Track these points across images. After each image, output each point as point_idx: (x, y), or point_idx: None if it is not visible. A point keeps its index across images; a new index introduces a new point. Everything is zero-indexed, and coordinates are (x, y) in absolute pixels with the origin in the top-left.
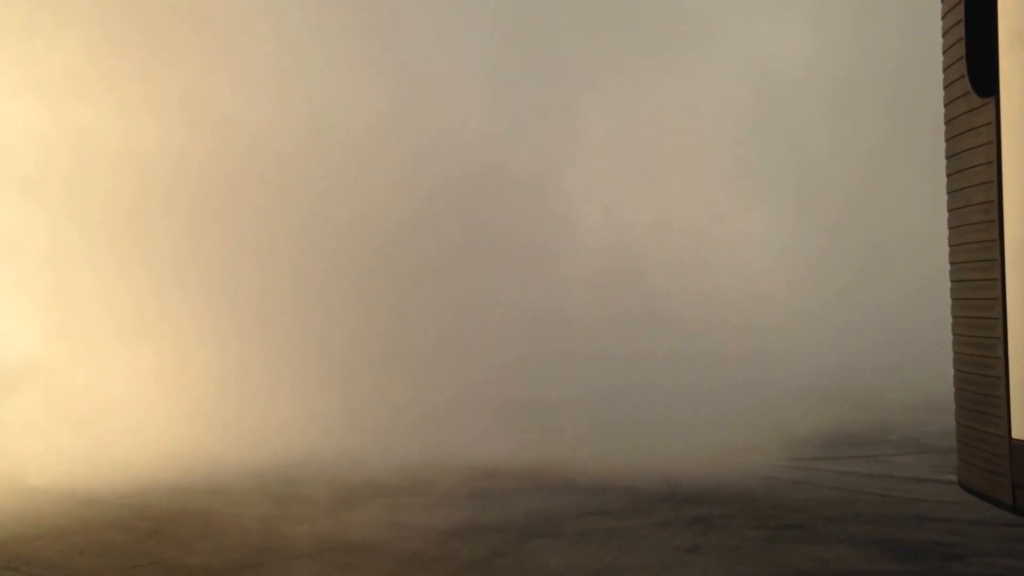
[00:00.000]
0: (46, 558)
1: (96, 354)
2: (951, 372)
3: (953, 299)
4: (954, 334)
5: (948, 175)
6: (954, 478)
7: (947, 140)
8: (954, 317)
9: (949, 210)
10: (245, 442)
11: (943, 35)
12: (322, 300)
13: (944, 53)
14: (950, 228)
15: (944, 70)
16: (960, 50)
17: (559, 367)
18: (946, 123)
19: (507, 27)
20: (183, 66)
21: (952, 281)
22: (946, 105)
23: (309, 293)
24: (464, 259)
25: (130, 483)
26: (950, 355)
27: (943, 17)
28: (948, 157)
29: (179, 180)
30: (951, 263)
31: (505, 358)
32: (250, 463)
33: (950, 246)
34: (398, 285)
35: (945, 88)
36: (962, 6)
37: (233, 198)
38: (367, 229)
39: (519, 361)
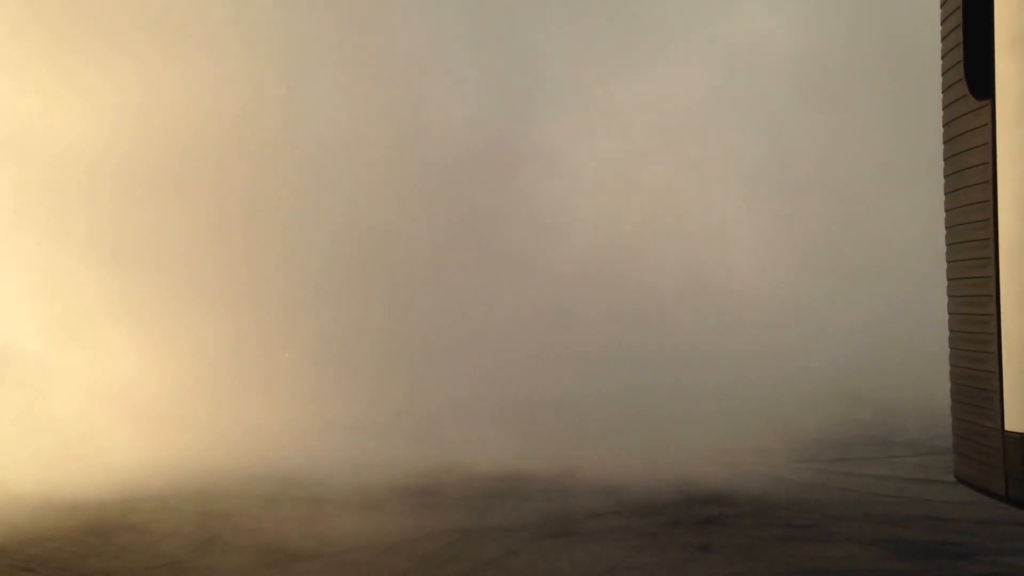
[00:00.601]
0: (61, 560)
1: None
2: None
3: (949, 296)
4: (950, 330)
5: (946, 176)
6: None
7: (945, 142)
8: (950, 314)
9: (946, 210)
10: (236, 447)
11: (942, 39)
12: (292, 297)
13: (943, 57)
14: (947, 227)
15: (943, 73)
16: (958, 54)
17: (559, 368)
18: (944, 125)
19: (483, 11)
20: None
21: (949, 279)
22: (944, 107)
23: (284, 290)
24: (455, 253)
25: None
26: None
27: (942, 22)
28: (946, 158)
29: (141, 173)
30: (948, 261)
31: (504, 357)
32: (246, 467)
33: (947, 244)
34: (387, 283)
35: (944, 91)
36: (960, 11)
37: (214, 191)
38: (354, 222)
39: (519, 361)
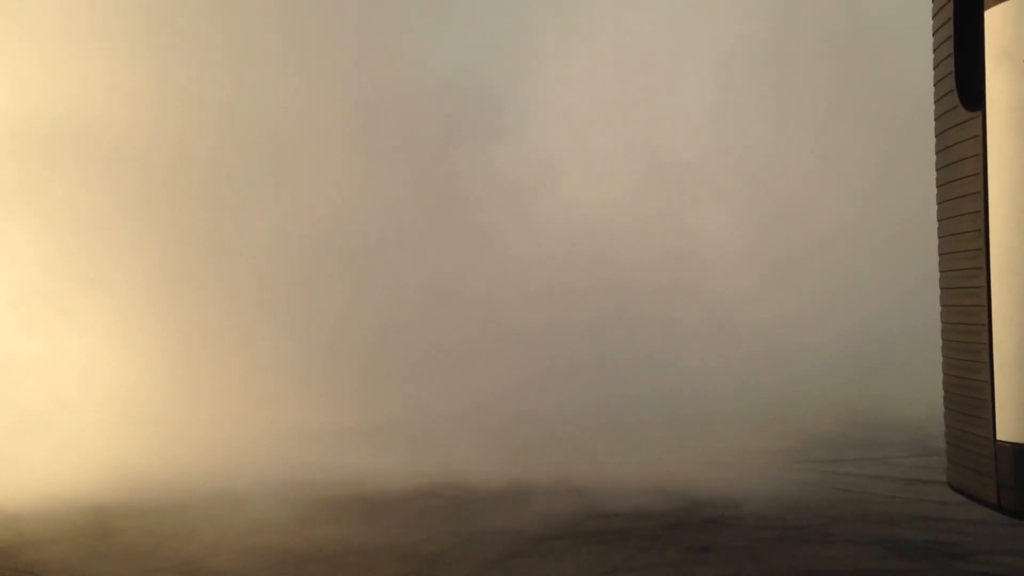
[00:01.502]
0: (62, 561)
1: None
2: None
3: (942, 305)
4: (943, 339)
5: (938, 186)
6: None
7: (937, 152)
8: (943, 323)
9: (939, 220)
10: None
11: (933, 50)
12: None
13: (934, 68)
14: (939, 237)
15: (934, 84)
16: (949, 66)
17: (552, 374)
18: (936, 136)
19: None
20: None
21: (941, 288)
22: (936, 118)
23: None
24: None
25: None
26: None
27: (933, 33)
28: (938, 169)
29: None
30: (940, 271)
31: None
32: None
33: (939, 255)
34: (349, 274)
35: (935, 102)
36: (951, 24)
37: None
38: (318, 206)
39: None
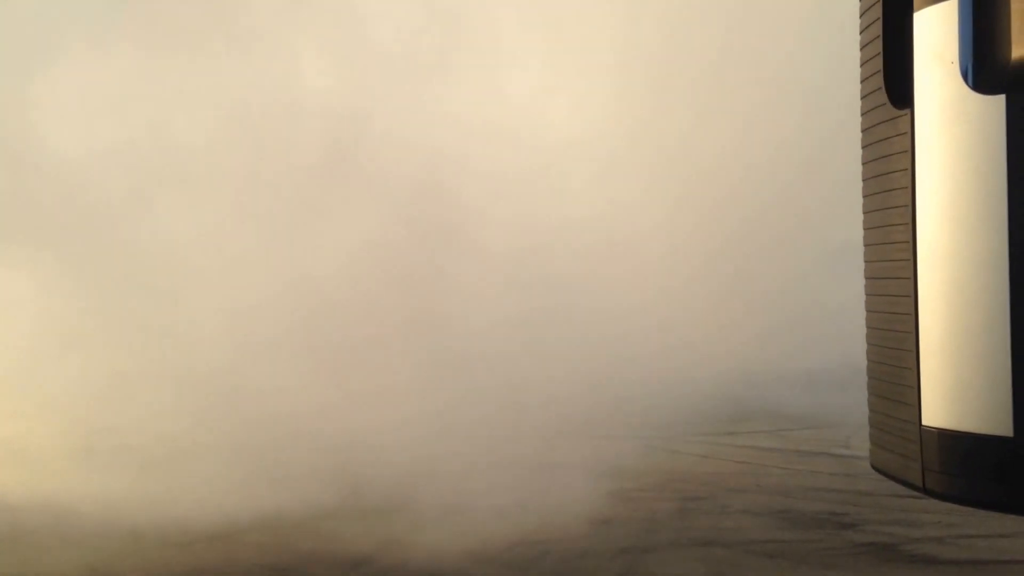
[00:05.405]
0: None
1: None
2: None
3: (867, 295)
4: (868, 327)
5: (864, 180)
6: (845, 451)
7: (863, 147)
8: (868, 311)
9: (864, 212)
10: None
11: (861, 48)
12: None
13: (862, 65)
14: (865, 229)
15: (862, 81)
16: (878, 64)
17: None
18: (863, 131)
19: None
20: None
21: (867, 278)
22: (863, 114)
23: None
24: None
25: None
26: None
27: (861, 32)
28: (864, 163)
29: None
30: (866, 261)
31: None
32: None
33: (865, 246)
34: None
35: (862, 98)
36: (879, 23)
37: None
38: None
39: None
